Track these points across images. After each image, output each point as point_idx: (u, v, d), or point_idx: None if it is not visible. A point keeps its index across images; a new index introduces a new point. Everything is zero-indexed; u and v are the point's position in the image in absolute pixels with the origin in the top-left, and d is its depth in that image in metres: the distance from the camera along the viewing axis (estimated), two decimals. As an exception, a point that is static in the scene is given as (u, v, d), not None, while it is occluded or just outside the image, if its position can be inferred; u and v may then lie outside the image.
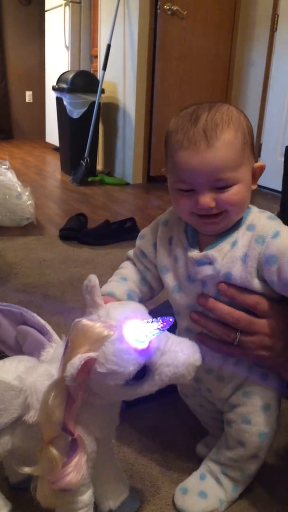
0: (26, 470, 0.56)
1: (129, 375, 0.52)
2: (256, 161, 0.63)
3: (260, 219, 0.63)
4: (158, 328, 0.52)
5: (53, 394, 0.53)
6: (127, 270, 0.73)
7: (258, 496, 0.76)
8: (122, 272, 0.72)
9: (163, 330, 0.52)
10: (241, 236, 0.62)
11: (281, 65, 2.95)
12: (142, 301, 0.71)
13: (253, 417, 0.67)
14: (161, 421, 0.92)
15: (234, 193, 0.59)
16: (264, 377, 0.68)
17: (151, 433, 0.89)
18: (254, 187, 0.64)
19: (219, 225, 0.62)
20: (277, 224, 0.62)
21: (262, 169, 0.64)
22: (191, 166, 0.58)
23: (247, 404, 0.68)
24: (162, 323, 0.52)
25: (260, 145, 3.20)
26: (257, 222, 0.62)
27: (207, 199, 0.59)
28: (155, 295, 0.74)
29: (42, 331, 0.67)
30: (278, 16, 2.93)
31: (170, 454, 0.84)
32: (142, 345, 0.52)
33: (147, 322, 0.53)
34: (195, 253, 0.63)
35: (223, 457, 0.72)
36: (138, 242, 0.73)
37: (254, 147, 0.63)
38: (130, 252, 0.75)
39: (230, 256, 0.61)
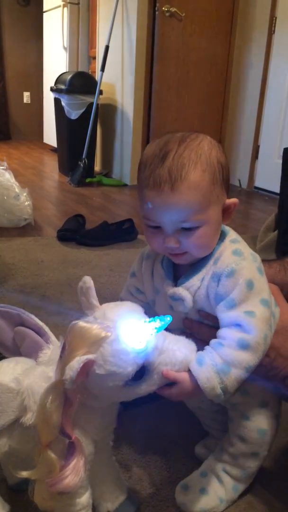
0: (24, 474, 0.56)
1: (128, 375, 0.52)
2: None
3: (225, 253, 0.61)
4: (156, 328, 0.52)
5: (50, 397, 0.53)
6: None
7: (257, 498, 0.76)
8: None
9: (160, 330, 0.52)
10: (208, 272, 0.61)
11: (279, 67, 2.96)
12: None
13: (251, 413, 0.69)
14: (159, 423, 0.92)
15: (198, 236, 0.58)
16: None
17: (150, 434, 0.89)
18: (226, 222, 0.63)
19: (186, 261, 0.62)
20: (237, 261, 0.59)
21: (235, 205, 0.62)
22: (156, 207, 0.57)
23: (244, 402, 0.69)
24: (159, 322, 0.52)
25: (257, 147, 3.20)
26: (221, 256, 0.61)
27: (172, 241, 0.58)
28: None
29: (39, 332, 0.66)
30: (276, 18, 2.94)
31: (168, 456, 0.84)
32: (140, 345, 0.52)
33: (144, 321, 0.53)
34: (168, 288, 0.63)
35: (225, 454, 0.73)
36: (130, 280, 0.73)
37: (226, 183, 0.61)
38: (122, 295, 0.74)
39: (199, 295, 0.62)
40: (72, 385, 0.50)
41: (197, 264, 0.62)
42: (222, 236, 0.63)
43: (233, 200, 0.62)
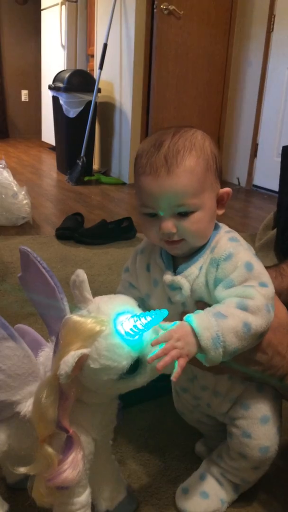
0: (22, 470, 0.56)
1: (123, 369, 0.52)
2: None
3: (221, 241, 0.62)
4: (151, 321, 0.52)
5: (45, 392, 0.53)
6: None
7: (256, 497, 0.76)
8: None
9: (155, 323, 0.52)
10: (205, 260, 0.62)
11: (278, 66, 2.96)
12: None
13: (253, 430, 0.67)
14: (158, 421, 0.92)
15: (194, 221, 0.59)
16: (261, 388, 0.68)
17: (149, 433, 0.89)
18: (221, 212, 0.64)
19: (183, 250, 0.63)
20: (234, 246, 0.61)
21: (229, 194, 0.63)
22: (153, 192, 0.59)
23: (245, 417, 0.67)
24: (154, 316, 0.52)
25: (256, 146, 3.20)
26: (217, 244, 0.62)
27: (168, 225, 0.59)
28: None
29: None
30: (274, 16, 2.94)
31: (168, 454, 0.84)
32: (134, 339, 0.52)
33: (139, 315, 0.52)
34: (167, 277, 0.63)
35: (225, 463, 0.72)
36: (124, 275, 0.73)
37: (219, 173, 0.63)
38: (118, 289, 0.74)
39: (198, 283, 0.62)
40: (67, 380, 0.50)
41: (194, 254, 0.63)
42: (217, 227, 0.65)
43: (226, 189, 0.63)
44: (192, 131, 0.61)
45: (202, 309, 0.62)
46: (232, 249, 0.60)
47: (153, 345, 0.53)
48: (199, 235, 0.61)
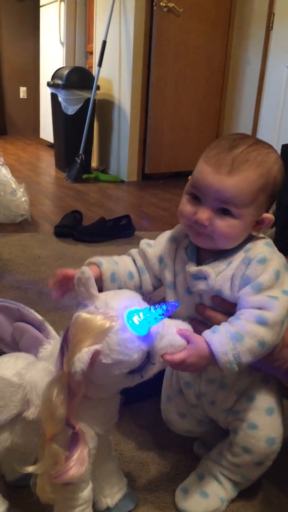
0: (30, 469, 0.56)
1: (134, 362, 0.53)
2: (269, 208, 0.65)
3: (258, 243, 0.64)
4: (161, 314, 0.53)
5: (56, 390, 0.53)
6: (121, 259, 0.73)
7: (255, 494, 0.76)
8: (115, 258, 0.73)
9: (166, 316, 0.53)
10: (237, 258, 0.63)
11: (277, 64, 2.96)
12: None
13: (259, 421, 0.67)
14: (158, 419, 0.92)
15: (229, 224, 0.61)
16: (266, 380, 0.69)
17: (149, 430, 0.89)
18: (255, 233, 0.64)
19: (205, 244, 0.64)
20: (270, 252, 0.62)
21: (270, 221, 0.64)
22: (208, 182, 0.61)
23: (251, 409, 0.68)
24: (164, 309, 0.53)
25: (255, 144, 3.20)
26: (253, 246, 0.64)
27: (204, 216, 0.60)
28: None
29: (39, 327, 0.66)
30: (274, 14, 2.93)
31: (167, 452, 0.84)
32: (144, 332, 0.52)
33: (148, 308, 0.53)
34: (192, 268, 0.64)
35: (226, 461, 0.71)
36: (145, 246, 0.73)
37: (272, 199, 0.64)
38: (133, 250, 0.75)
39: (223, 275, 0.63)
40: (81, 377, 0.50)
41: (225, 251, 0.64)
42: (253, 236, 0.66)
43: (270, 216, 0.64)
44: (269, 150, 0.62)
45: (218, 305, 0.64)
46: (268, 254, 0.62)
47: (164, 358, 0.55)
48: (226, 239, 0.62)
